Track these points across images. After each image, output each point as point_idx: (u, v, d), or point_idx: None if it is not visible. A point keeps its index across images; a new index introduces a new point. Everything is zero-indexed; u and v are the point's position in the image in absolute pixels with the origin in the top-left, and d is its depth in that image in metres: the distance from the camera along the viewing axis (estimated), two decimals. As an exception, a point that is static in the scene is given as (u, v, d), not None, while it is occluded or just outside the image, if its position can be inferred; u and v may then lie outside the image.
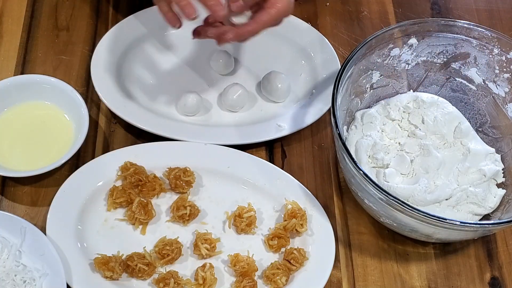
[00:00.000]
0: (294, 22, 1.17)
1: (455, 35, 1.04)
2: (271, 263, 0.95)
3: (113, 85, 1.08)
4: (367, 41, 1.00)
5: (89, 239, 0.96)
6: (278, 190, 1.01)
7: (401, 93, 1.08)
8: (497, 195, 1.00)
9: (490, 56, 1.04)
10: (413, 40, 1.04)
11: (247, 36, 0.96)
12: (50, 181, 1.02)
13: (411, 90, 1.08)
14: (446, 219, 0.87)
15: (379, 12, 1.25)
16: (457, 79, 1.07)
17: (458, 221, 0.87)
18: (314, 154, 1.08)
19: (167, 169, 1.01)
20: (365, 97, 1.06)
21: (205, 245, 0.95)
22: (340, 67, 0.98)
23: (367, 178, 0.88)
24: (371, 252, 1.00)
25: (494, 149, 1.04)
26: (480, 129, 1.07)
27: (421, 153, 1.01)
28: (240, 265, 0.94)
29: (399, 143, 1.03)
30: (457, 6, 1.27)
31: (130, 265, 0.93)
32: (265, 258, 0.97)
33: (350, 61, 0.98)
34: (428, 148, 1.00)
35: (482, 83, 1.06)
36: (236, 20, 0.98)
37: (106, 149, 1.06)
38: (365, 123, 1.03)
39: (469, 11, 1.26)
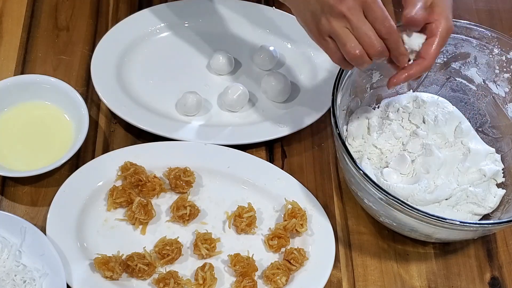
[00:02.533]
0: (294, 22, 1.17)
1: (455, 35, 1.04)
2: (271, 263, 0.95)
3: (113, 85, 1.08)
4: (367, 41, 1.00)
5: (89, 239, 0.96)
6: (278, 190, 1.01)
7: (401, 93, 1.08)
8: (497, 195, 1.00)
9: (490, 56, 1.04)
10: (413, 40, 1.04)
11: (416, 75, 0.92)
12: (50, 181, 1.02)
13: (411, 90, 1.08)
14: (445, 219, 0.87)
15: (379, 12, 1.24)
16: (457, 79, 1.07)
17: (458, 221, 0.87)
18: (314, 154, 1.08)
19: (167, 169, 1.01)
20: (365, 97, 1.06)
21: (205, 245, 0.95)
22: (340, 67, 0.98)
23: (366, 178, 0.88)
24: (371, 252, 1.00)
25: (494, 149, 1.04)
26: (480, 129, 1.07)
27: (423, 152, 1.01)
28: (240, 265, 0.94)
29: (403, 142, 1.03)
30: (457, 6, 1.26)
31: (130, 265, 0.93)
32: (265, 258, 0.97)
33: (350, 61, 0.98)
34: (431, 148, 1.00)
35: (482, 83, 1.06)
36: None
37: (106, 149, 1.06)
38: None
39: (469, 11, 1.26)
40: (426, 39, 0.89)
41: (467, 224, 0.88)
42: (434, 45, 0.89)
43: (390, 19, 0.85)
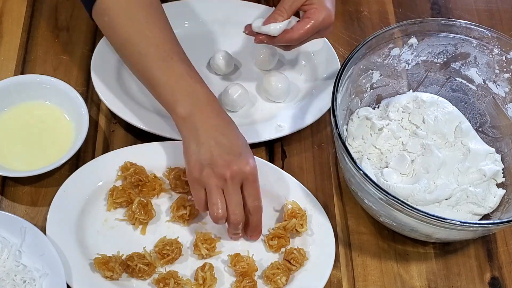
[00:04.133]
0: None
1: (455, 35, 1.04)
2: (271, 263, 0.95)
3: (113, 85, 1.08)
4: (367, 41, 1.00)
5: (89, 239, 0.96)
6: (278, 190, 1.01)
7: (401, 93, 1.08)
8: (497, 195, 1.00)
9: (490, 56, 1.04)
10: (413, 40, 1.04)
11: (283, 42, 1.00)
12: (50, 181, 1.02)
13: (411, 90, 1.08)
14: (445, 219, 0.87)
15: (379, 12, 1.25)
16: (457, 79, 1.08)
17: (458, 221, 0.87)
18: (314, 154, 1.08)
19: (167, 169, 1.01)
20: (365, 97, 1.06)
21: (205, 245, 0.95)
22: (340, 67, 0.98)
23: (366, 178, 0.88)
24: (371, 252, 1.00)
25: (494, 149, 1.04)
26: (480, 129, 1.07)
27: (423, 152, 1.01)
28: (240, 265, 0.94)
29: (402, 142, 1.03)
30: (457, 6, 1.27)
31: (130, 265, 0.93)
32: (265, 258, 0.97)
33: (350, 61, 0.98)
34: (430, 148, 1.00)
35: (482, 83, 1.06)
36: None
37: (106, 149, 1.06)
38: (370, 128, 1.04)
39: (469, 11, 1.26)
40: (304, 18, 0.99)
41: (467, 224, 0.88)
42: (306, 25, 0.98)
43: (260, 200, 0.94)
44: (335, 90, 0.95)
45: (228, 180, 0.91)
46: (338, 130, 0.92)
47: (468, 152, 1.02)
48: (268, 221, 1.00)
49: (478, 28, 1.03)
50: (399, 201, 0.87)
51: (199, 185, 0.93)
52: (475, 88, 1.07)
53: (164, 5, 1.17)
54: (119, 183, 1.00)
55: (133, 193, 0.99)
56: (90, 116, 1.03)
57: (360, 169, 0.89)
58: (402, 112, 1.05)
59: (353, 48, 0.99)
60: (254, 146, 1.06)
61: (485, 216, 1.00)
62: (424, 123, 1.04)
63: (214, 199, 0.92)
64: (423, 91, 1.08)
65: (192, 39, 1.16)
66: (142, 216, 0.97)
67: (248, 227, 0.96)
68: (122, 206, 0.99)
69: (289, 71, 1.14)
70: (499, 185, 1.02)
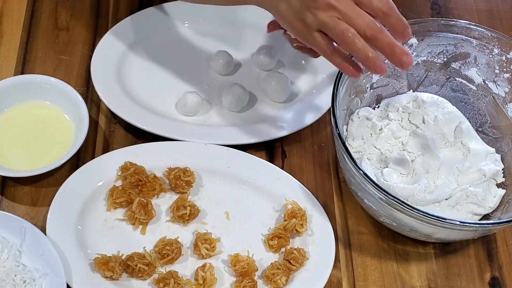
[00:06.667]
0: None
1: (455, 35, 1.04)
2: (271, 263, 0.95)
3: (113, 85, 1.09)
4: (367, 41, 1.00)
5: (89, 239, 0.96)
6: (278, 190, 1.01)
7: (401, 93, 1.08)
8: (497, 195, 1.00)
9: (490, 56, 1.04)
10: (413, 40, 1.04)
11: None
12: (50, 181, 1.02)
13: (411, 90, 1.08)
14: (445, 219, 0.87)
15: (379, 12, 1.24)
16: (457, 79, 1.08)
17: (458, 221, 0.87)
18: (314, 154, 1.08)
19: (167, 169, 1.01)
20: (365, 97, 1.06)
21: (205, 245, 0.95)
22: (340, 67, 0.98)
23: (366, 178, 0.88)
24: (371, 252, 1.00)
25: (494, 149, 1.04)
26: (480, 129, 1.07)
27: (423, 152, 1.01)
28: (240, 265, 0.94)
29: (402, 142, 1.03)
30: (457, 6, 1.27)
31: (130, 265, 0.93)
32: (265, 258, 0.97)
33: (350, 61, 0.98)
34: (430, 148, 1.00)
35: (482, 83, 1.06)
36: None
37: (106, 149, 1.06)
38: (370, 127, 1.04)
39: (469, 11, 1.26)
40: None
41: (467, 224, 0.88)
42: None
43: None
44: (335, 90, 0.95)
45: (334, 3, 0.80)
46: (338, 130, 0.92)
47: (468, 152, 1.02)
48: (268, 221, 1.00)
49: (478, 28, 1.03)
50: (399, 201, 0.87)
51: (312, 35, 0.82)
52: (475, 88, 1.07)
53: (164, 5, 1.18)
54: (119, 183, 1.00)
55: (133, 193, 0.99)
56: (90, 116, 1.03)
57: (360, 169, 0.89)
58: (402, 112, 1.05)
59: (353, 48, 0.99)
60: (254, 146, 1.07)
61: (485, 216, 1.00)
62: (424, 123, 1.04)
63: (331, 24, 0.80)
64: (423, 91, 1.08)
65: (192, 39, 1.17)
66: (142, 216, 0.97)
67: (383, 42, 0.81)
68: (122, 206, 0.99)
69: (289, 71, 1.14)
70: (499, 185, 1.02)
